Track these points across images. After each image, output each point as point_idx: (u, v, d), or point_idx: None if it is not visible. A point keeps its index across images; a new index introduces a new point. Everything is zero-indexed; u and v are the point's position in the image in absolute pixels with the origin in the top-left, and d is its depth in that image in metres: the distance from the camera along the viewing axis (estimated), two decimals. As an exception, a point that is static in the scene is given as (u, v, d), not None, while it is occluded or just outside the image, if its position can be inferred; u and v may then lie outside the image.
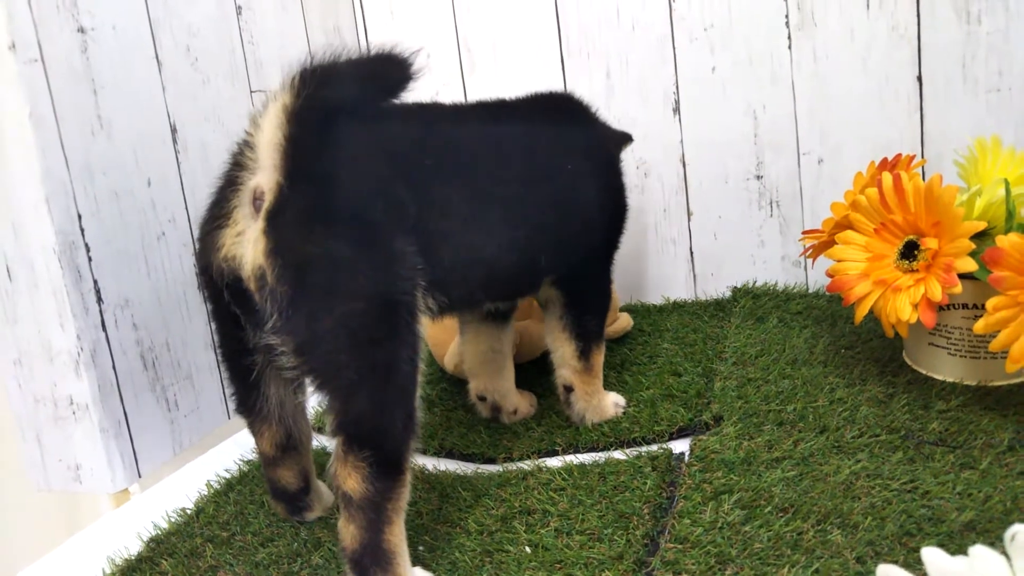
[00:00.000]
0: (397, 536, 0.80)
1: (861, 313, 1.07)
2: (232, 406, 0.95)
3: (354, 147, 0.85)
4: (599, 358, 1.13)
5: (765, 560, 0.77)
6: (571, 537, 0.86)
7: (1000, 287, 0.95)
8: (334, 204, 0.80)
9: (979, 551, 0.64)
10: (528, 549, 0.86)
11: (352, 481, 0.79)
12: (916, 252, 1.04)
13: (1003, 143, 1.15)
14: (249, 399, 0.92)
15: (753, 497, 0.87)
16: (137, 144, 1.10)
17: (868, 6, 1.37)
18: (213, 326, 0.93)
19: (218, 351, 0.94)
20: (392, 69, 0.85)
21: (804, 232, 1.24)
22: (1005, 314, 0.95)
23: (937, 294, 0.99)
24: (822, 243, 1.21)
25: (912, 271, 1.04)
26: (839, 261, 1.11)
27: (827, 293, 1.43)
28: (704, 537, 0.81)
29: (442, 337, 1.31)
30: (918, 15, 1.35)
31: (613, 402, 1.15)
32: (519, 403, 1.19)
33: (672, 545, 0.81)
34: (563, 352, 1.12)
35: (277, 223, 0.79)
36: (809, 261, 1.46)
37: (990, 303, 0.95)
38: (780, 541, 0.79)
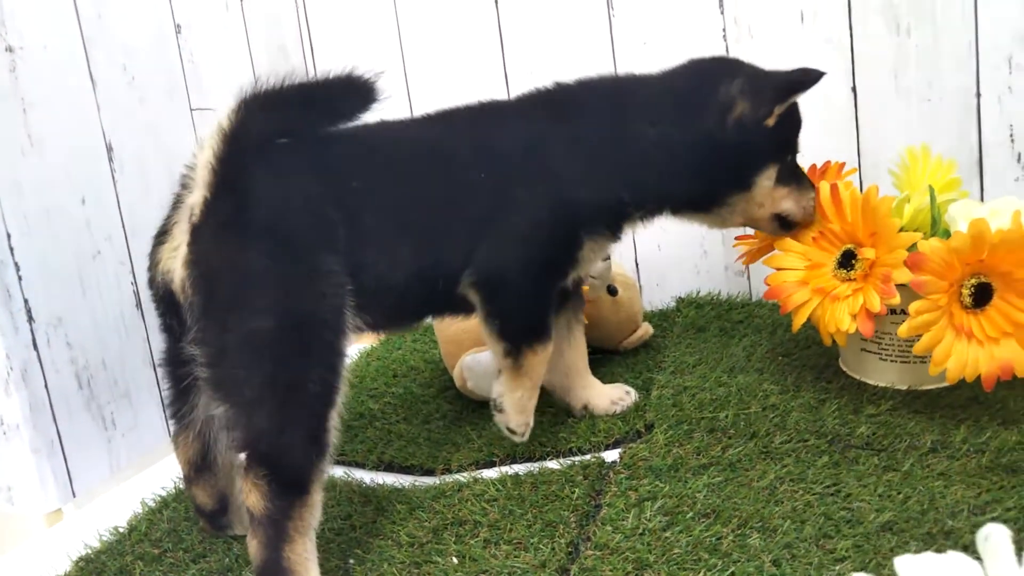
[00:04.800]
0: (299, 555, 0.80)
1: (799, 321, 1.08)
2: (172, 423, 0.96)
3: (284, 167, 0.87)
4: (531, 359, 1.04)
5: (682, 565, 0.78)
6: (498, 547, 0.87)
7: (922, 291, 0.96)
8: (251, 219, 0.82)
9: (952, 556, 0.64)
10: (455, 560, 0.86)
11: (253, 497, 0.80)
12: (854, 261, 1.05)
13: (934, 152, 1.17)
14: (177, 407, 0.94)
15: (676, 503, 0.87)
16: (70, 162, 1.11)
17: (802, 19, 1.40)
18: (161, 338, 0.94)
19: (162, 360, 0.94)
20: (351, 92, 0.89)
21: (737, 238, 1.26)
22: (927, 318, 0.97)
23: (875, 304, 1.00)
24: (756, 249, 1.22)
25: (850, 280, 1.05)
26: (778, 269, 1.11)
27: (767, 301, 1.45)
28: (624, 544, 0.82)
29: (451, 350, 1.28)
30: (850, 27, 1.38)
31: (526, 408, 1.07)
32: (591, 398, 1.16)
33: (592, 552, 0.81)
34: None
35: (198, 236, 0.81)
36: (750, 269, 1.48)
37: (912, 307, 0.97)
38: (699, 546, 0.80)
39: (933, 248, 0.96)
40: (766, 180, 1.04)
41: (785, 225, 1.09)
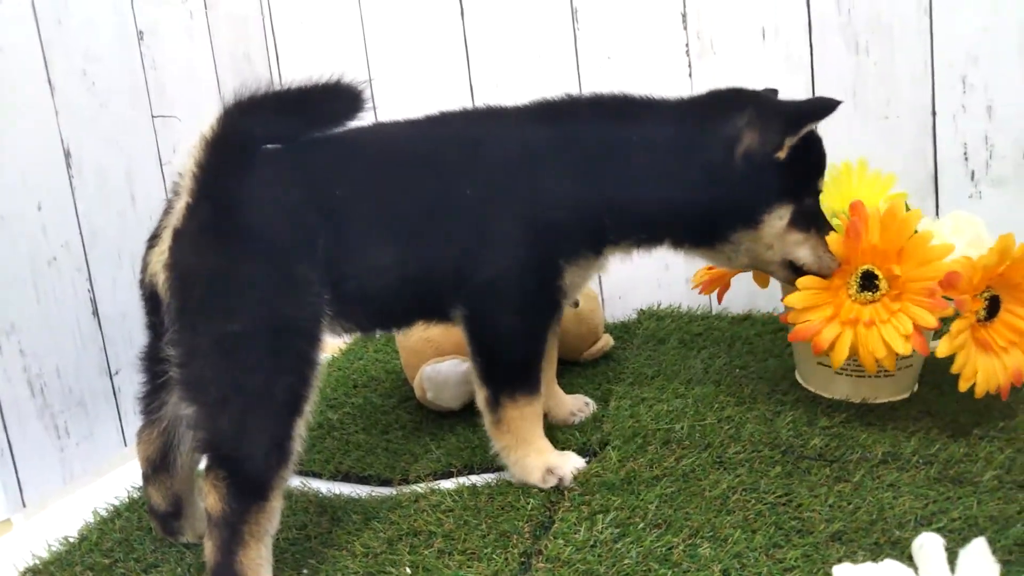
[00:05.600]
0: (253, 560, 0.80)
1: (839, 359, 1.00)
2: (128, 432, 0.95)
3: (265, 175, 0.88)
4: (512, 412, 0.99)
5: (632, 575, 0.78)
6: (452, 557, 0.87)
7: (962, 309, 0.96)
8: (227, 226, 0.83)
9: (889, 564, 0.65)
10: (408, 570, 0.86)
11: (212, 498, 0.80)
12: (876, 282, 1.00)
13: (892, 168, 1.17)
14: (148, 402, 0.94)
15: (628, 515, 0.88)
16: (26, 168, 1.09)
17: (764, 36, 1.42)
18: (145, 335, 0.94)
19: (141, 357, 0.94)
20: (336, 99, 0.89)
21: (706, 268, 1.24)
22: (964, 337, 0.96)
23: (930, 320, 0.95)
24: (711, 279, 1.22)
25: (873, 301, 1.00)
26: (802, 309, 1.03)
27: (726, 315, 1.46)
28: (575, 556, 0.82)
29: (412, 360, 1.28)
30: (811, 45, 1.40)
31: (544, 466, 0.99)
32: (551, 408, 1.14)
33: (543, 565, 0.82)
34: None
35: (178, 241, 0.82)
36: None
37: (954, 326, 0.96)
38: (649, 556, 0.80)
39: (963, 265, 0.96)
40: (777, 220, 0.98)
41: (797, 273, 1.03)
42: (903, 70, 1.37)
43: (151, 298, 0.87)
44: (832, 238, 1.01)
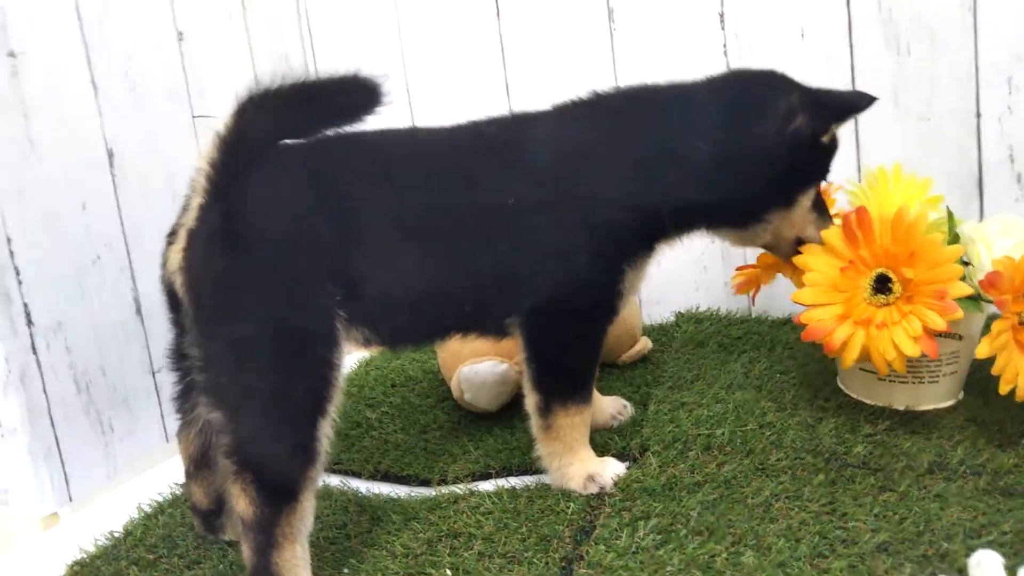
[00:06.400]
0: (288, 561, 0.81)
1: (850, 358, 1.01)
2: (170, 429, 0.96)
3: (277, 175, 0.87)
4: (563, 419, 0.99)
5: (676, 583, 0.78)
6: (492, 560, 0.87)
7: (1003, 309, 0.95)
8: (237, 228, 0.82)
9: None
10: (449, 572, 0.86)
11: (242, 503, 0.81)
12: (890, 284, 1.00)
13: (931, 170, 1.16)
14: (181, 403, 0.95)
15: (670, 521, 0.87)
16: (71, 168, 1.11)
17: (803, 35, 1.40)
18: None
19: (168, 355, 0.95)
20: (354, 92, 0.87)
21: (738, 268, 1.25)
22: (1006, 337, 0.95)
23: (939, 323, 0.96)
24: (747, 279, 1.21)
25: (887, 304, 1.00)
26: (811, 308, 1.04)
27: (767, 318, 1.45)
28: (617, 562, 0.82)
29: (449, 361, 1.28)
30: (851, 45, 1.38)
31: (586, 473, 0.99)
32: (594, 412, 1.10)
33: (585, 571, 0.82)
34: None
35: (191, 242, 0.82)
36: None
37: (995, 327, 0.95)
38: (692, 564, 0.80)
39: (1006, 265, 0.95)
40: (806, 200, 1.02)
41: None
42: (946, 70, 1.35)
43: (171, 295, 0.88)
44: (832, 232, 1.03)
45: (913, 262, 0.99)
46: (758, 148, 0.97)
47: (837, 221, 1.05)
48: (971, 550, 0.77)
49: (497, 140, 0.98)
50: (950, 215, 1.08)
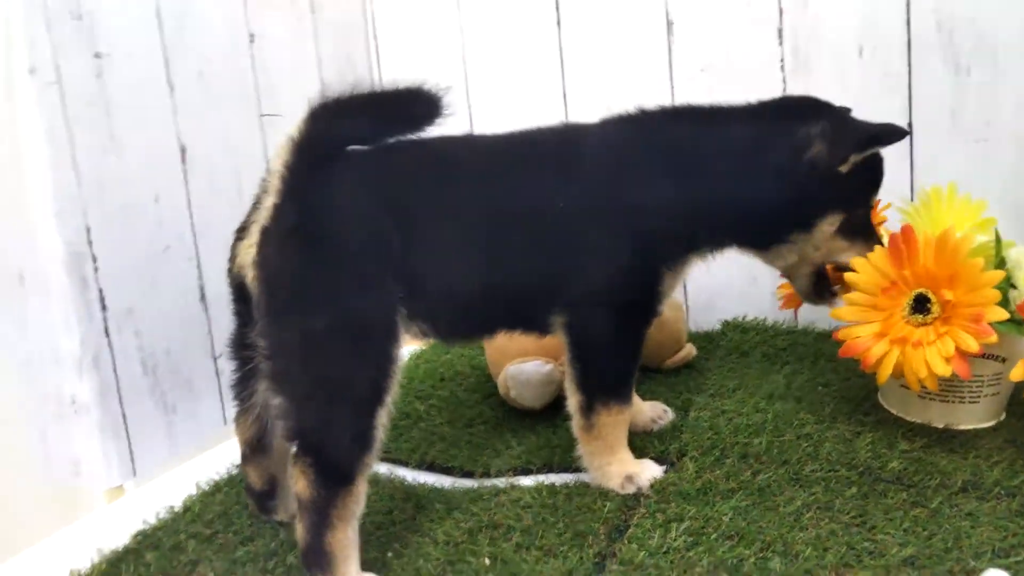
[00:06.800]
0: (340, 542, 0.85)
1: (885, 374, 1.02)
2: (228, 412, 1.02)
3: (347, 178, 0.92)
4: (604, 418, 1.03)
5: (703, 583, 0.81)
6: (529, 552, 0.90)
7: None
8: (310, 227, 0.88)
9: None
10: (487, 561, 0.90)
11: (300, 484, 0.86)
12: (929, 305, 1.02)
13: (985, 193, 1.16)
14: (239, 390, 1.00)
15: (702, 525, 0.90)
16: (147, 163, 1.17)
17: (861, 53, 1.41)
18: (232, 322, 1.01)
19: (229, 343, 1.01)
20: (418, 104, 0.93)
21: (782, 285, 1.26)
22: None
23: (972, 345, 0.97)
24: (792, 294, 1.23)
25: (925, 324, 1.02)
26: (850, 325, 1.06)
27: (812, 330, 1.46)
28: (648, 560, 0.85)
29: (497, 358, 1.32)
30: (909, 64, 1.39)
31: (624, 473, 1.03)
32: (634, 414, 1.14)
33: (617, 567, 0.85)
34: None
35: (266, 239, 0.88)
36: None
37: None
38: (720, 566, 0.83)
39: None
40: (827, 226, 1.04)
41: (820, 284, 1.10)
42: (1006, 92, 1.34)
43: (238, 288, 0.93)
44: (877, 253, 1.05)
45: (953, 284, 1.00)
46: (774, 173, 1.02)
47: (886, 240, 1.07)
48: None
49: (549, 149, 1.04)
50: (997, 238, 1.08)
